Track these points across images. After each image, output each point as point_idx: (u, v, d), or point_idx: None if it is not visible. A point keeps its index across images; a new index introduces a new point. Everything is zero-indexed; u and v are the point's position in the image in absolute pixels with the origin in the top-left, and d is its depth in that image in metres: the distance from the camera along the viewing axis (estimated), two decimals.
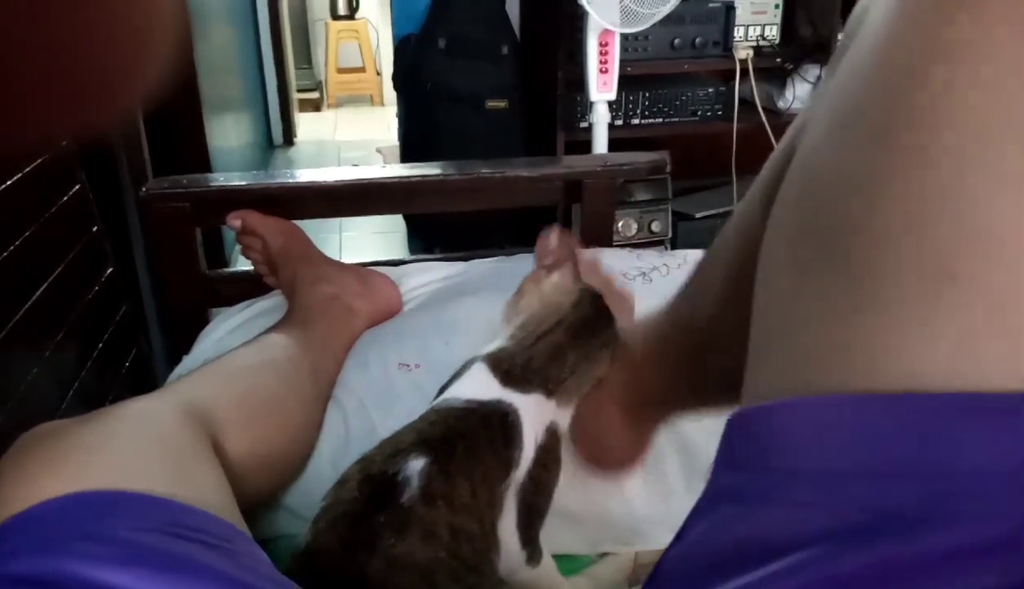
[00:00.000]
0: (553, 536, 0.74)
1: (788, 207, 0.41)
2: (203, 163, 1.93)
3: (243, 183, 1.25)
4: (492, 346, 0.73)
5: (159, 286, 1.36)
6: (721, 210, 2.29)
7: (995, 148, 0.31)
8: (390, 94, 4.10)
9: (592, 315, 0.75)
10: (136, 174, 1.37)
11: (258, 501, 0.78)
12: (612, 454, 0.81)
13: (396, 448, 0.65)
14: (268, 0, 4.41)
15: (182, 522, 0.54)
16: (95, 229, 1.26)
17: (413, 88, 2.44)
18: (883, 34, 0.36)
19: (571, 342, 0.73)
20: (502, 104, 2.35)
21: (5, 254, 0.97)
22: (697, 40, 2.17)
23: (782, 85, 2.26)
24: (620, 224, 2.18)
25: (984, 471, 0.31)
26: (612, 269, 1.20)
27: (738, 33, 2.19)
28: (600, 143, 1.94)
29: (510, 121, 2.37)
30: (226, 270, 1.45)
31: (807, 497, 0.35)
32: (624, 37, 1.90)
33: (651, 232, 2.22)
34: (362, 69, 5.83)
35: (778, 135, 1.86)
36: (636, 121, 2.25)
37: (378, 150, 4.35)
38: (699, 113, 2.27)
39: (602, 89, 1.88)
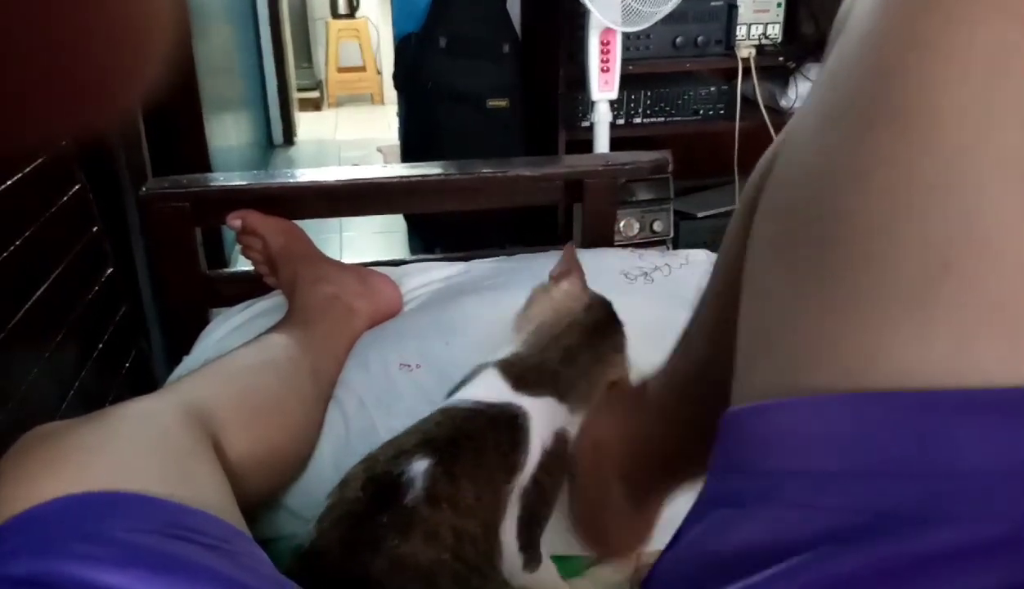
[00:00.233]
0: (555, 537, 0.74)
1: (776, 207, 0.41)
2: (203, 163, 1.93)
3: (243, 183, 1.24)
4: (503, 353, 0.74)
5: (159, 286, 1.36)
6: (723, 209, 2.29)
7: (983, 138, 0.31)
8: (391, 93, 4.11)
9: (604, 318, 0.77)
10: (136, 174, 1.36)
11: (258, 501, 0.78)
12: (616, 536, 0.79)
13: (400, 449, 0.65)
14: None
15: (182, 523, 0.54)
16: (95, 229, 1.26)
17: (414, 87, 2.44)
18: (868, 27, 0.35)
19: (583, 344, 0.74)
20: (503, 103, 2.35)
21: (5, 254, 0.97)
22: (699, 39, 2.16)
23: (785, 84, 2.26)
24: (622, 224, 2.17)
25: (982, 470, 0.30)
26: (613, 269, 1.20)
27: (740, 32, 2.19)
28: (601, 142, 1.94)
29: (511, 120, 2.37)
30: (226, 270, 1.45)
31: (804, 498, 0.35)
32: (626, 36, 1.89)
33: (653, 232, 2.22)
34: (362, 68, 5.83)
35: None
36: (638, 120, 2.24)
37: (379, 149, 4.35)
38: (701, 112, 2.27)
39: (604, 88, 1.88)
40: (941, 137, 0.32)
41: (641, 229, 2.22)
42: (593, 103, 1.92)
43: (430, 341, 1.01)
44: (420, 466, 0.62)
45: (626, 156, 1.41)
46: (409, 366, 0.98)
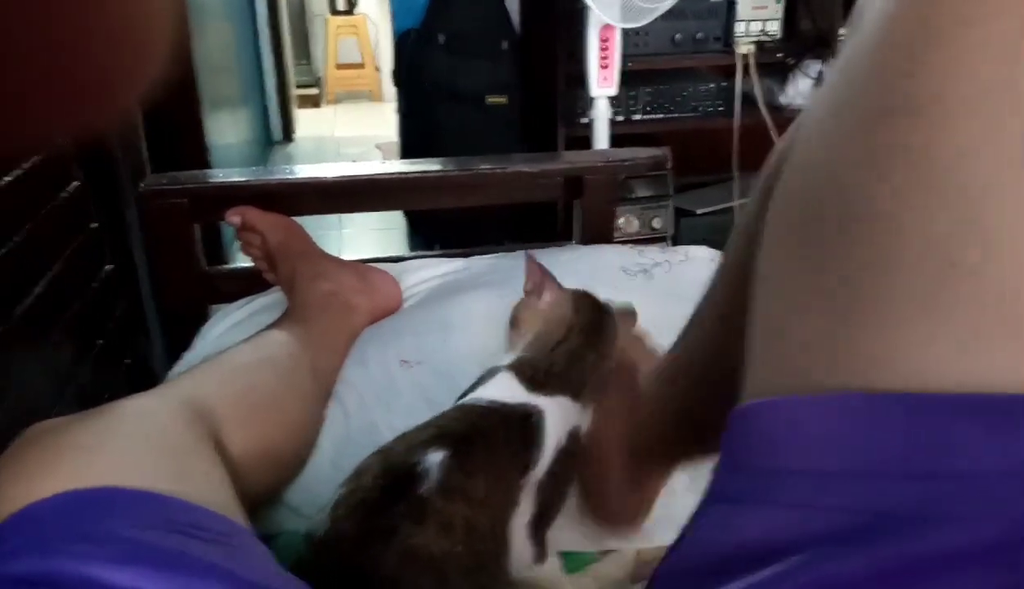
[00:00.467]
0: (556, 534, 0.74)
1: (787, 201, 0.41)
2: (201, 160, 1.93)
3: (242, 179, 1.24)
4: (509, 358, 0.75)
5: (158, 283, 1.36)
6: (723, 206, 2.29)
7: (993, 136, 0.31)
8: (389, 90, 4.10)
9: (594, 314, 0.78)
10: (134, 171, 1.36)
11: (259, 498, 0.78)
12: (616, 507, 0.80)
13: (416, 441, 0.66)
14: None
15: (182, 519, 0.54)
16: (93, 226, 1.25)
17: (413, 84, 2.44)
18: (881, 22, 0.35)
19: (585, 344, 0.75)
20: (502, 100, 2.35)
21: (3, 251, 0.97)
22: (698, 35, 2.16)
23: (784, 80, 2.26)
24: (621, 220, 2.17)
25: (983, 472, 0.30)
26: (613, 265, 1.20)
27: (739, 28, 2.18)
28: (601, 139, 1.94)
29: (510, 117, 2.37)
30: (225, 266, 1.44)
31: (805, 498, 0.34)
32: (625, 32, 1.89)
33: (652, 228, 2.22)
34: (361, 65, 5.83)
35: (780, 130, 1.86)
36: (637, 117, 2.24)
37: (377, 146, 4.35)
38: (700, 109, 2.27)
39: (603, 85, 1.88)
40: (951, 134, 0.31)
41: (641, 226, 2.21)
42: (592, 100, 1.92)
43: (430, 337, 1.01)
44: (436, 457, 0.63)
45: (625, 153, 1.40)
46: (409, 362, 0.98)
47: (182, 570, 0.49)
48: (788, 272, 0.39)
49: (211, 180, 1.26)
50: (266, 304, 1.17)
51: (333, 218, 3.19)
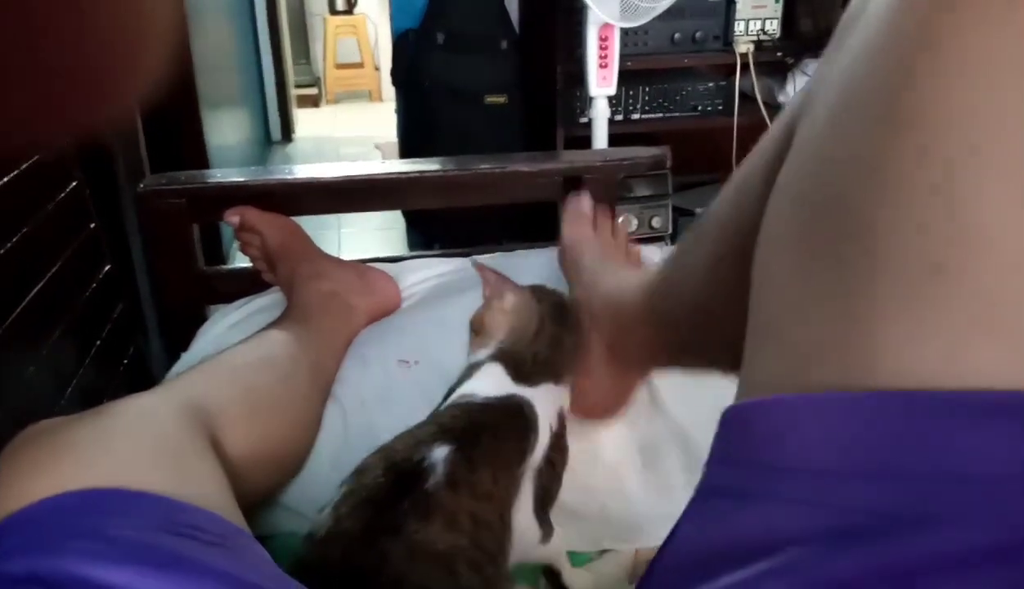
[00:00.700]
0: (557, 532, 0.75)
1: (786, 198, 0.41)
2: (201, 160, 1.93)
3: (241, 179, 1.24)
4: (486, 352, 0.77)
5: (157, 283, 1.35)
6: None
7: (986, 143, 0.31)
8: (389, 90, 4.10)
9: (555, 299, 0.82)
10: (133, 171, 1.36)
11: (257, 498, 0.78)
12: (595, 399, 0.84)
13: (419, 438, 0.66)
14: None
15: (180, 520, 0.54)
16: (92, 226, 1.25)
17: (412, 84, 2.44)
18: (882, 25, 0.36)
19: (560, 329, 0.78)
20: (501, 99, 2.35)
21: (1, 252, 0.96)
22: (697, 34, 2.16)
23: (783, 79, 2.26)
24: (620, 220, 2.17)
25: (980, 474, 0.30)
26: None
27: (738, 27, 2.18)
28: (600, 138, 1.94)
29: (509, 116, 2.37)
30: (224, 267, 1.44)
31: (800, 495, 0.35)
32: (624, 31, 1.89)
33: (651, 228, 2.22)
34: (360, 65, 5.83)
35: None
36: (636, 116, 2.24)
37: (377, 146, 4.35)
38: (699, 108, 2.27)
39: (602, 84, 1.88)
40: (945, 140, 0.32)
41: (640, 225, 2.21)
42: (591, 99, 1.92)
43: (429, 337, 1.01)
44: (441, 452, 0.64)
45: (625, 152, 1.40)
46: (408, 362, 0.98)
47: (180, 571, 0.49)
48: (785, 274, 0.39)
49: (210, 180, 1.26)
50: (265, 304, 1.16)
51: (332, 218, 3.19)
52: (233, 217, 1.13)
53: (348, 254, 1.25)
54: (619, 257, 1.00)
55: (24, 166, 1.02)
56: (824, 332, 0.36)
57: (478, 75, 2.34)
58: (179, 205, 1.19)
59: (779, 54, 2.23)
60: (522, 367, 0.74)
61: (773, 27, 2.22)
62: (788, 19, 2.24)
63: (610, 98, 1.93)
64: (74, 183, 1.20)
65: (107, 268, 1.28)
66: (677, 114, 2.27)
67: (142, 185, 1.19)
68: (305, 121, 5.24)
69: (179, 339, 1.16)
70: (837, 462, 0.34)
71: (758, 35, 2.21)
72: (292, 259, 1.10)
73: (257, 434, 0.76)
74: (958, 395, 0.31)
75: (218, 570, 0.50)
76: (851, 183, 0.35)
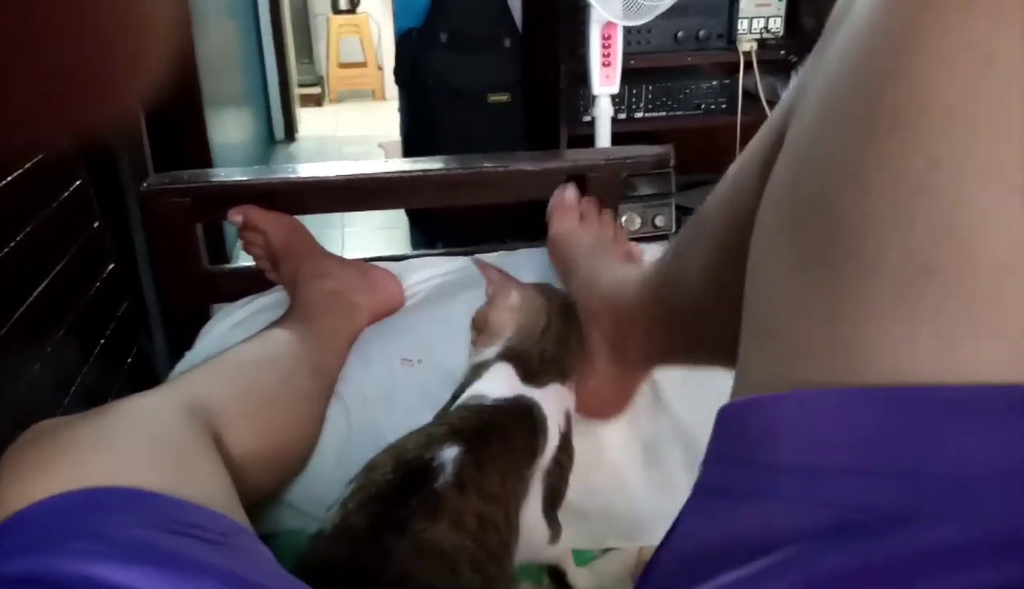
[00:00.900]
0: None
1: (778, 198, 0.41)
2: (204, 159, 1.93)
3: (244, 178, 1.24)
4: (493, 351, 0.76)
5: (160, 282, 1.35)
6: None
7: (969, 141, 0.31)
8: (392, 89, 4.10)
9: (563, 297, 0.82)
10: (137, 170, 1.36)
11: (260, 497, 0.78)
12: (598, 398, 0.84)
13: (429, 438, 0.66)
14: None
15: (183, 519, 0.54)
16: (96, 225, 1.25)
17: (415, 83, 2.44)
18: (865, 25, 0.36)
19: (567, 327, 0.79)
20: (504, 98, 2.35)
21: (5, 251, 0.97)
22: (701, 33, 2.16)
23: (786, 77, 2.25)
24: (623, 218, 2.16)
25: (972, 471, 0.31)
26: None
27: (742, 25, 2.18)
28: (603, 137, 1.94)
29: (512, 115, 2.37)
30: (227, 266, 1.44)
31: (796, 493, 0.35)
32: (627, 30, 1.89)
33: (655, 226, 2.21)
34: (363, 64, 5.83)
35: None
36: (639, 115, 2.24)
37: (380, 145, 4.35)
38: (703, 106, 2.27)
39: (605, 82, 1.88)
40: (928, 140, 0.32)
41: (643, 224, 2.21)
42: (594, 98, 1.91)
43: (432, 336, 1.01)
44: (451, 453, 0.64)
45: (628, 150, 1.40)
46: (411, 361, 0.98)
47: (183, 570, 0.49)
48: (778, 274, 0.40)
49: (213, 179, 1.26)
50: (268, 303, 1.17)
51: (335, 217, 3.19)
52: (236, 216, 1.13)
53: (351, 253, 1.25)
54: (615, 252, 0.99)
55: (28, 165, 1.02)
56: (817, 331, 0.36)
57: (481, 74, 2.34)
58: (183, 204, 1.19)
59: (782, 52, 2.22)
60: (530, 366, 0.74)
61: (776, 25, 2.22)
62: (791, 17, 2.24)
63: (613, 97, 1.93)
64: (78, 182, 1.20)
65: (111, 267, 1.28)
66: (680, 113, 2.27)
67: (146, 184, 1.19)
68: (308, 120, 5.24)
69: (182, 338, 1.17)
70: (832, 459, 0.34)
71: (761, 33, 2.21)
72: (295, 258, 1.10)
73: (260, 432, 0.76)
74: (952, 390, 0.31)
75: (220, 569, 0.50)
76: (837, 184, 0.36)
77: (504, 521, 0.65)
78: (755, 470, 0.37)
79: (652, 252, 1.23)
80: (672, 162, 1.39)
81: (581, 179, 1.33)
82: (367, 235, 3.19)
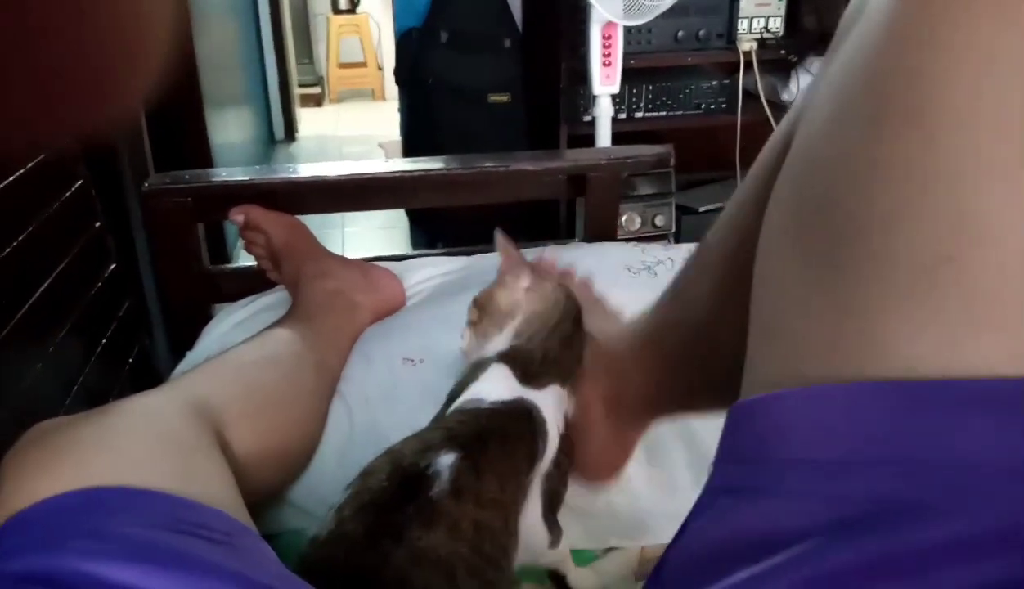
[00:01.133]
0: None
1: (786, 199, 0.41)
2: (205, 159, 1.93)
3: (245, 178, 1.24)
4: (499, 346, 0.74)
5: (162, 282, 1.36)
6: (725, 204, 2.28)
7: (986, 137, 0.32)
8: (392, 89, 4.10)
9: (575, 300, 0.78)
10: (138, 170, 1.36)
11: (263, 497, 0.78)
12: (596, 458, 0.80)
13: (426, 444, 0.65)
14: None
15: (186, 518, 0.54)
16: (97, 225, 1.26)
17: (415, 82, 2.44)
18: (879, 26, 0.36)
19: (576, 329, 0.76)
20: (505, 98, 2.35)
21: (7, 251, 0.97)
22: (701, 32, 2.16)
23: (786, 77, 2.25)
24: (624, 218, 2.17)
25: (983, 464, 0.31)
26: (617, 263, 1.20)
27: (742, 25, 2.18)
28: (603, 137, 1.94)
29: (513, 115, 2.37)
30: (229, 266, 1.45)
31: (805, 489, 0.35)
32: (627, 30, 1.89)
33: (655, 226, 2.21)
34: (363, 64, 5.83)
35: None
36: (639, 114, 2.24)
37: (380, 145, 4.35)
38: (703, 106, 2.27)
39: (605, 82, 1.88)
40: (947, 134, 0.32)
41: (643, 223, 2.21)
42: (595, 97, 1.91)
43: (433, 336, 1.01)
44: (447, 460, 0.63)
45: (629, 150, 1.40)
46: (412, 361, 0.98)
47: (186, 569, 0.49)
48: (786, 272, 0.40)
49: (214, 179, 1.26)
50: (269, 303, 1.17)
51: (336, 217, 3.19)
52: (238, 216, 1.13)
53: (352, 253, 1.25)
54: (593, 305, 0.93)
55: (30, 165, 1.03)
56: (824, 327, 0.36)
57: (481, 74, 2.34)
58: (184, 204, 1.20)
59: (783, 52, 2.22)
60: (530, 367, 0.72)
61: (777, 25, 2.22)
62: (792, 17, 2.24)
63: (613, 96, 1.93)
64: (79, 182, 1.20)
65: (112, 267, 1.28)
66: (680, 112, 2.27)
67: (147, 184, 1.20)
68: (308, 120, 5.24)
69: (184, 338, 1.17)
70: (841, 454, 0.34)
71: (762, 33, 2.21)
72: (296, 258, 1.11)
73: (262, 432, 0.76)
74: (962, 384, 0.31)
75: (223, 568, 0.50)
76: (847, 181, 0.36)
77: (503, 527, 0.64)
78: (764, 467, 0.37)
79: (653, 250, 1.24)
80: (672, 162, 1.39)
81: (581, 179, 1.34)
82: (367, 235, 3.19)
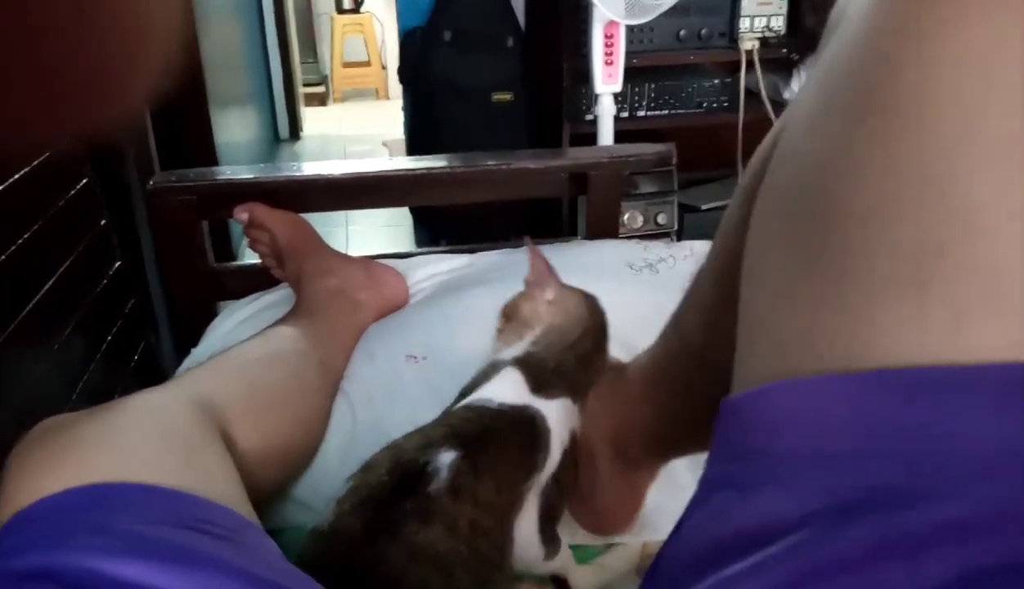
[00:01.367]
0: (562, 527, 0.75)
1: (772, 194, 0.42)
2: (209, 157, 1.94)
3: (250, 176, 1.25)
4: (516, 351, 0.74)
5: (166, 280, 1.36)
6: (727, 202, 2.27)
7: (973, 125, 0.32)
8: (396, 88, 4.11)
9: (602, 319, 0.77)
10: (143, 168, 1.37)
11: (267, 493, 0.79)
12: (607, 509, 0.80)
13: (428, 440, 0.66)
14: None
15: (191, 514, 0.54)
16: (103, 223, 1.26)
17: (419, 82, 2.44)
18: (867, 20, 0.36)
19: (596, 347, 0.75)
20: (507, 97, 2.35)
21: (13, 248, 0.97)
22: (703, 31, 2.16)
23: (788, 76, 2.25)
24: (626, 216, 2.17)
25: (976, 448, 0.31)
26: (619, 260, 1.20)
27: (744, 24, 2.18)
28: (606, 135, 1.94)
29: (515, 114, 2.37)
30: (233, 263, 1.45)
31: (798, 479, 0.35)
32: (629, 29, 1.89)
33: (657, 224, 2.22)
34: (367, 63, 5.83)
35: None
36: (641, 113, 2.24)
37: (384, 144, 4.36)
38: (704, 105, 2.27)
39: (607, 81, 1.88)
40: (934, 125, 0.32)
41: (645, 222, 2.21)
42: (597, 96, 1.91)
43: (436, 333, 1.02)
44: (447, 458, 0.63)
45: (631, 148, 1.41)
46: (415, 358, 0.99)
47: (191, 565, 0.49)
48: (775, 267, 0.40)
49: (219, 177, 1.27)
50: (273, 300, 1.17)
51: (340, 215, 3.20)
52: (242, 214, 1.14)
53: (356, 251, 1.25)
54: None
55: (35, 164, 1.03)
56: (812, 320, 0.36)
57: (484, 73, 2.34)
58: (189, 202, 1.20)
59: (784, 51, 2.22)
60: (542, 376, 0.72)
61: (778, 24, 2.22)
62: (793, 16, 2.23)
63: (616, 95, 1.93)
64: (84, 180, 1.21)
65: (117, 265, 1.29)
66: (682, 111, 2.27)
67: (152, 182, 1.20)
68: (312, 119, 5.24)
69: (189, 335, 1.17)
70: (835, 444, 0.34)
71: (763, 32, 2.20)
72: (300, 255, 1.11)
73: (266, 429, 0.76)
74: (955, 371, 0.31)
75: (228, 564, 0.50)
76: (836, 173, 0.36)
77: (498, 528, 0.64)
78: (758, 461, 0.37)
79: (655, 248, 1.24)
80: (674, 160, 1.39)
81: (584, 177, 1.34)
82: (371, 233, 3.20)
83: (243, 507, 0.61)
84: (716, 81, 2.25)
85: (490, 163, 1.31)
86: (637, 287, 1.11)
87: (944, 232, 0.32)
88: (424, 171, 1.31)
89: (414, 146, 2.61)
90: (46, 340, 1.04)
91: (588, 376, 0.75)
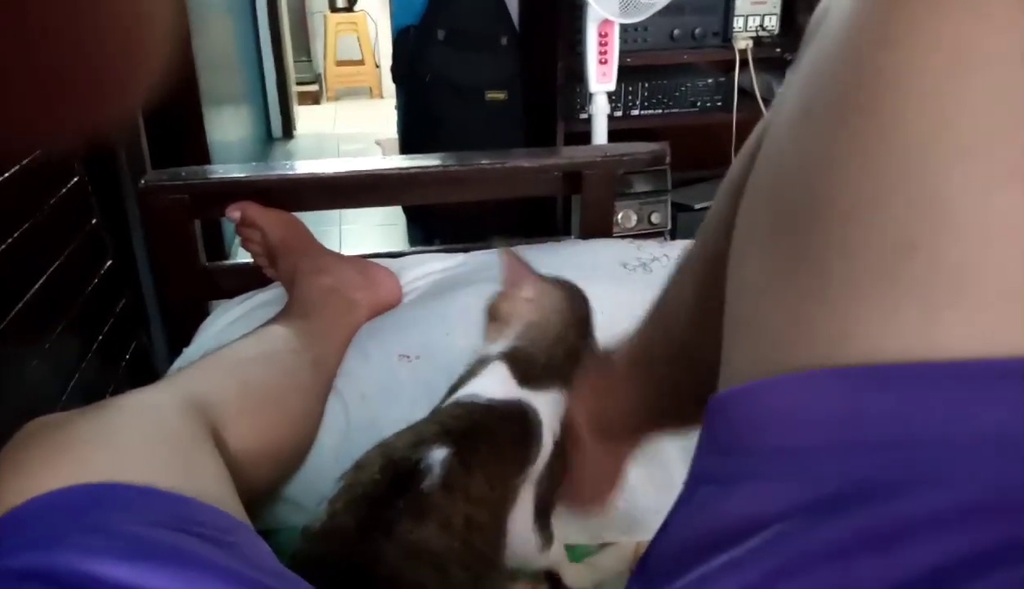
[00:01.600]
0: (555, 524, 0.75)
1: (755, 197, 0.42)
2: (202, 156, 1.93)
3: (242, 175, 1.24)
4: (501, 346, 0.75)
5: (159, 278, 1.36)
6: None
7: (944, 125, 0.32)
8: (389, 87, 4.09)
9: (585, 307, 0.78)
10: (135, 167, 1.37)
11: (259, 493, 0.78)
12: (587, 485, 0.79)
13: (419, 437, 0.66)
14: None
15: (183, 514, 0.54)
16: (94, 222, 1.26)
17: (412, 80, 2.44)
18: (844, 26, 0.37)
19: (581, 339, 0.76)
20: (501, 95, 2.35)
21: (3, 247, 0.97)
22: (696, 30, 2.16)
23: (782, 75, 2.25)
24: (620, 215, 2.17)
25: (957, 436, 0.31)
26: (612, 259, 1.20)
27: (738, 23, 2.18)
28: (599, 134, 1.94)
29: (509, 112, 2.37)
30: (226, 262, 1.45)
31: (781, 473, 0.35)
32: (623, 28, 1.90)
33: (651, 223, 2.22)
34: (361, 62, 5.83)
35: None
36: (635, 112, 2.24)
37: (377, 143, 4.35)
38: (698, 104, 2.27)
39: (601, 80, 1.88)
40: (906, 126, 0.33)
41: (639, 221, 2.22)
42: (591, 95, 1.92)
43: (430, 332, 1.02)
44: (439, 455, 0.63)
45: (624, 147, 1.41)
46: (409, 357, 0.98)
47: (184, 566, 0.49)
48: (756, 266, 0.40)
49: (212, 176, 1.26)
50: (266, 299, 1.17)
51: (333, 214, 3.20)
52: (235, 213, 1.14)
53: (349, 250, 1.25)
54: None
55: (26, 162, 1.03)
56: (793, 317, 0.37)
57: (478, 71, 2.34)
58: (181, 201, 1.20)
59: (778, 50, 2.22)
60: (531, 370, 0.72)
61: (772, 23, 2.22)
62: (787, 15, 2.24)
63: (610, 94, 1.93)
64: (76, 179, 1.20)
65: (109, 263, 1.29)
66: (676, 110, 2.27)
67: (144, 181, 1.20)
68: (306, 118, 5.24)
69: (181, 334, 1.17)
70: (817, 438, 0.35)
71: (757, 31, 2.21)
72: (293, 254, 1.11)
73: (259, 428, 0.76)
74: (931, 365, 0.32)
75: (220, 565, 0.50)
76: (814, 172, 0.36)
77: (492, 523, 0.65)
78: (742, 456, 0.38)
79: (649, 247, 1.24)
80: (668, 159, 1.40)
81: (577, 176, 1.34)
82: (365, 232, 3.19)
83: (235, 508, 0.61)
84: (710, 80, 2.26)
85: (484, 162, 1.31)
86: (631, 286, 1.11)
87: (915, 229, 0.33)
88: (418, 170, 1.31)
89: (407, 145, 2.61)
90: (37, 339, 1.04)
91: (575, 368, 0.75)
